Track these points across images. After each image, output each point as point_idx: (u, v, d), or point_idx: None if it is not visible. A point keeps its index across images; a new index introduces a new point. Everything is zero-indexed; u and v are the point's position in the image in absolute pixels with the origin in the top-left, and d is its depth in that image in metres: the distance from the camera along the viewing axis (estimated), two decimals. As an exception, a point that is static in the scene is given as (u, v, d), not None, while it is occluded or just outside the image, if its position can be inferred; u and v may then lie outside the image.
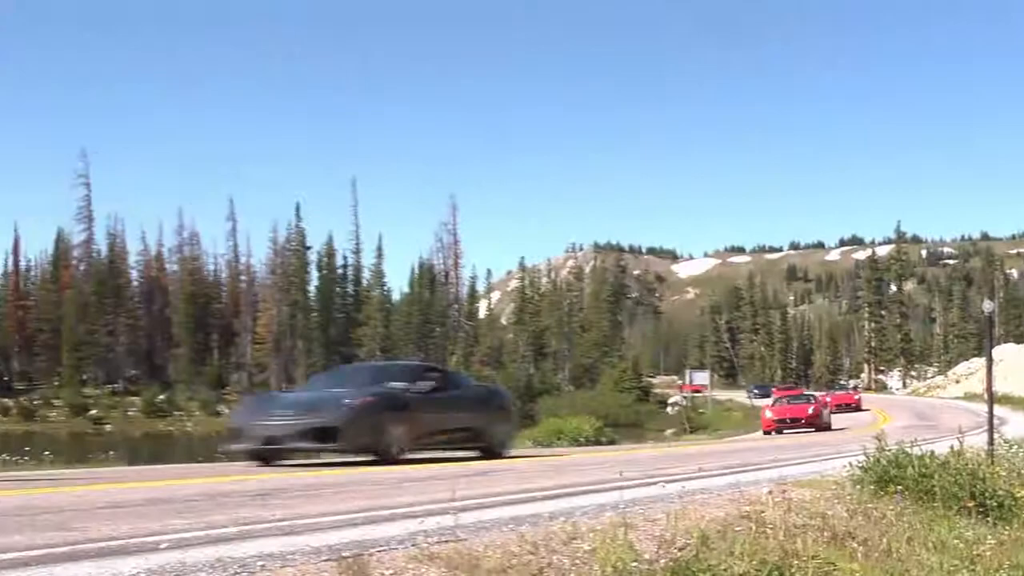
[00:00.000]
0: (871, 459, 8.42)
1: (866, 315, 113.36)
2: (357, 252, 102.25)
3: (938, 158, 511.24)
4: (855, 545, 5.55)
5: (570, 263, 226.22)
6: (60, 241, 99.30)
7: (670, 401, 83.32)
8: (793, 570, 4.74)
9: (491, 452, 14.90)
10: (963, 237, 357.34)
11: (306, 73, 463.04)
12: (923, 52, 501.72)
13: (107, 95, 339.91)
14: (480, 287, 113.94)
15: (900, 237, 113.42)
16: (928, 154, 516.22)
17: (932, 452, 8.48)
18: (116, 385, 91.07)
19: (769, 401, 45.60)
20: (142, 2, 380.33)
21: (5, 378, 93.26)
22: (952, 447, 8.75)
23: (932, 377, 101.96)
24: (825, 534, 5.73)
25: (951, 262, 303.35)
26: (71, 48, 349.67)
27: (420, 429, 13.73)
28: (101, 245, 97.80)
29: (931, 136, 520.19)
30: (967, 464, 8.25)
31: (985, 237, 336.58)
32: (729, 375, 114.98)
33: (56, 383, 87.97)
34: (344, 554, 4.26)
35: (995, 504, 7.97)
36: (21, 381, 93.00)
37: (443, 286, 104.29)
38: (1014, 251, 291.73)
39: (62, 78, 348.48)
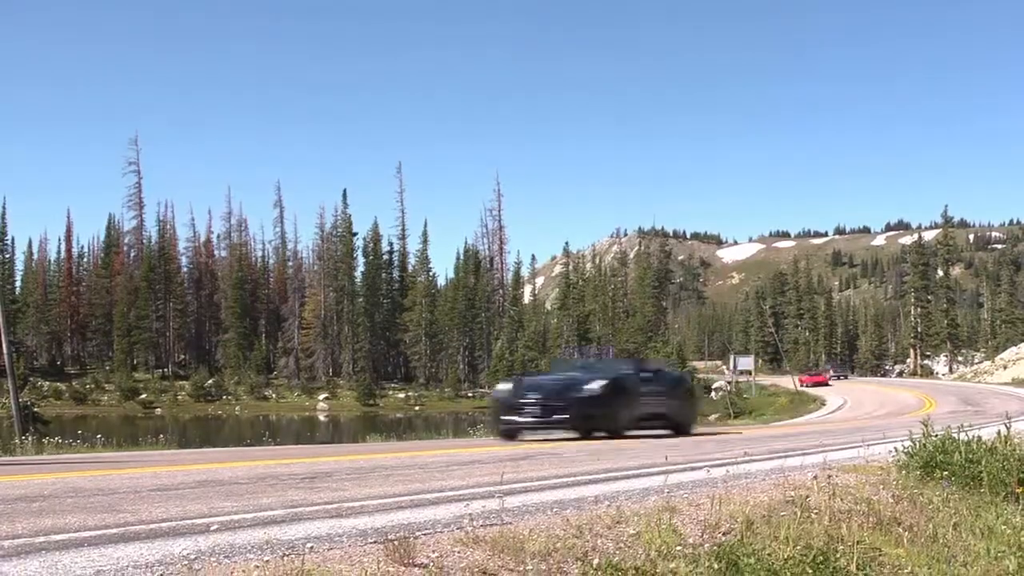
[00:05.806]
0: (917, 444, 8.36)
1: (912, 300, 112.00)
2: (403, 238, 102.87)
3: (986, 142, 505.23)
4: (901, 530, 5.52)
5: (615, 248, 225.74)
6: (111, 228, 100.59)
7: (714, 386, 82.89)
8: (838, 555, 4.74)
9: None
10: (1011, 221, 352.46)
11: (347, 65, 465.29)
12: (971, 35, 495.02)
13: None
14: (525, 272, 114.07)
15: (947, 221, 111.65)
16: (976, 138, 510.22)
17: (979, 438, 8.39)
18: (166, 369, 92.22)
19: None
20: None
21: (58, 362, 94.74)
22: (999, 432, 8.65)
23: (979, 363, 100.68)
24: (870, 519, 5.71)
25: (999, 247, 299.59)
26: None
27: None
28: (151, 232, 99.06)
29: (979, 120, 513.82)
30: (1015, 449, 8.15)
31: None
32: (774, 360, 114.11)
33: (107, 367, 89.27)
34: (391, 537, 4.30)
35: (1044, 490, 7.86)
36: (73, 365, 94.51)
37: (488, 271, 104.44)
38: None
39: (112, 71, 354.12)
